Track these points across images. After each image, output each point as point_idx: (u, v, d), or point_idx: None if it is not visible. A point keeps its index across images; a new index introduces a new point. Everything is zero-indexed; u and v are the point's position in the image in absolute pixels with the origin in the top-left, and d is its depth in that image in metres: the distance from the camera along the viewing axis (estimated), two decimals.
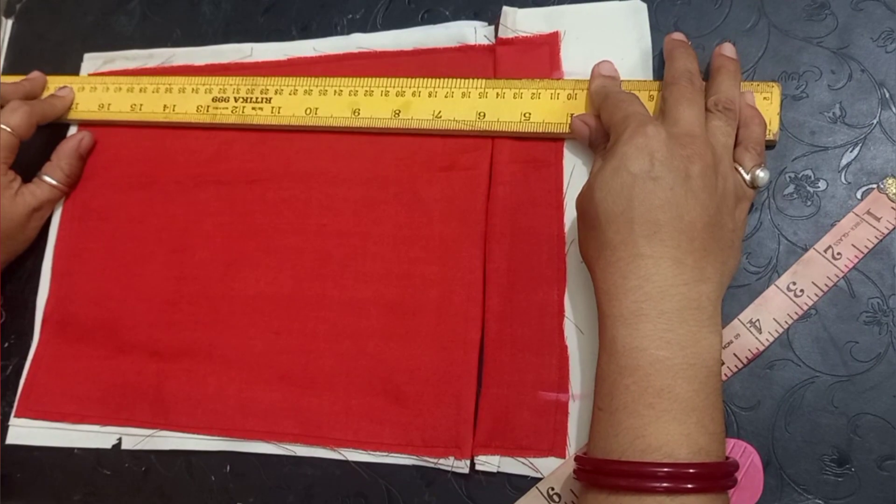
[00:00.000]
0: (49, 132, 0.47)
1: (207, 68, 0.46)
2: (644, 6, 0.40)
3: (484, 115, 0.39)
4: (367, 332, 0.40)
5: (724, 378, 0.35)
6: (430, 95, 0.40)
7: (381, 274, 0.40)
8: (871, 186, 0.36)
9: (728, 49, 0.37)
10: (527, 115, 0.39)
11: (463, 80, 0.40)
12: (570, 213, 0.38)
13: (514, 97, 0.39)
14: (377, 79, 0.41)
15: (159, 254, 0.44)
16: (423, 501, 0.37)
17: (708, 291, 0.31)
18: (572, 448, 0.35)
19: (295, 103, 0.42)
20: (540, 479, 0.35)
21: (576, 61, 0.40)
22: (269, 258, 0.42)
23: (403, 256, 0.40)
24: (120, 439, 0.41)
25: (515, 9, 0.41)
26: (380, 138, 0.42)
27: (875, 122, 0.37)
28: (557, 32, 0.41)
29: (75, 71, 0.49)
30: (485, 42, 0.42)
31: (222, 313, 0.42)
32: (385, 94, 0.41)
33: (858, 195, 0.36)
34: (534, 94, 0.39)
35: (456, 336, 0.38)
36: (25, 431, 0.43)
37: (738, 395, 0.35)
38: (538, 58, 0.41)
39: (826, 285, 0.35)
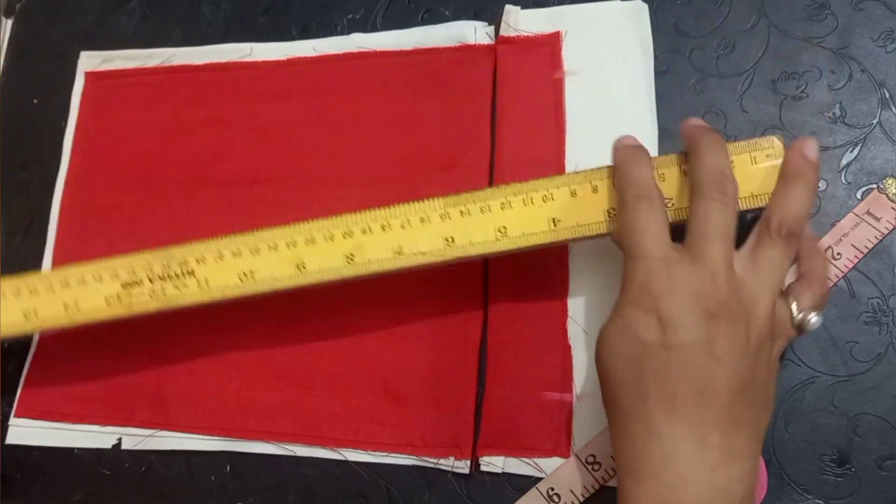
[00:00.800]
0: None
1: (207, 67, 0.46)
2: (645, 6, 0.40)
3: (453, 240, 0.34)
4: (367, 332, 0.39)
5: None
6: (383, 229, 0.34)
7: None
8: (871, 186, 0.36)
9: (812, 149, 0.30)
10: (502, 229, 0.33)
11: (417, 204, 0.34)
12: None
13: (482, 212, 0.33)
14: (316, 222, 0.35)
15: None
16: (424, 501, 0.37)
17: (740, 471, 0.27)
18: (576, 448, 0.35)
19: (224, 271, 0.35)
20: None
21: (577, 61, 0.40)
22: None
23: None
24: (120, 439, 0.41)
25: (518, 8, 0.41)
26: (380, 138, 0.42)
27: (875, 122, 0.37)
28: (559, 32, 0.41)
29: (74, 70, 0.49)
30: (485, 41, 0.42)
31: (222, 313, 0.42)
32: (330, 239, 0.34)
33: (858, 195, 0.36)
34: (503, 203, 0.33)
35: (456, 336, 0.38)
36: (25, 431, 0.43)
37: None
38: (539, 58, 0.41)
39: None
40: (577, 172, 0.33)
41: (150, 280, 0.36)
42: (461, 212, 0.34)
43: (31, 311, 0.38)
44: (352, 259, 0.34)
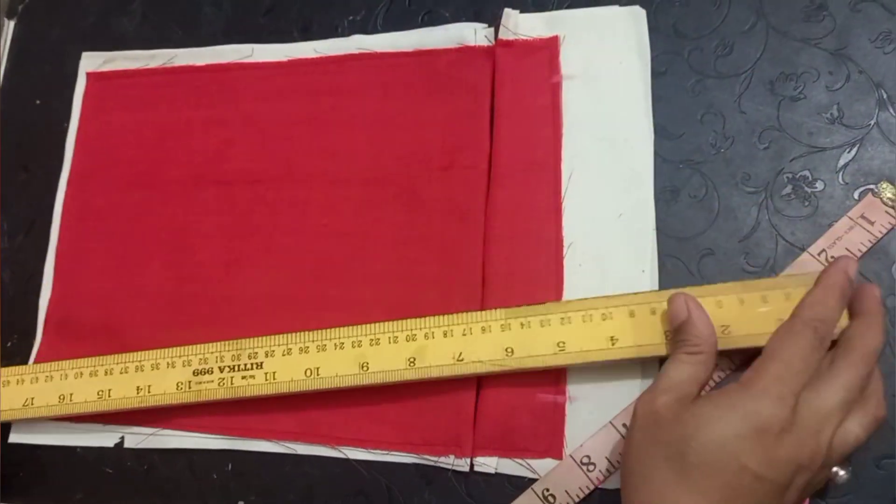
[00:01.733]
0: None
1: (209, 68, 0.46)
2: (643, 12, 0.40)
3: (512, 351, 0.35)
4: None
5: (723, 377, 0.35)
6: (445, 335, 0.36)
7: (381, 274, 0.40)
8: (868, 187, 0.36)
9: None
10: (561, 344, 0.35)
11: (479, 314, 0.36)
12: (567, 217, 0.38)
13: (542, 325, 0.35)
14: (382, 324, 0.37)
15: (159, 254, 0.44)
16: (424, 500, 0.37)
17: None
18: (569, 449, 0.36)
19: (291, 365, 0.37)
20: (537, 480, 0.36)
21: (574, 66, 0.40)
22: (269, 258, 0.42)
23: (403, 256, 0.40)
24: (122, 438, 0.42)
25: (517, 11, 0.42)
26: (380, 139, 0.42)
27: (873, 122, 0.37)
28: (557, 37, 0.41)
29: (76, 71, 0.49)
30: (485, 43, 0.42)
31: (222, 313, 0.42)
32: (394, 341, 0.36)
33: (856, 196, 0.36)
34: (563, 318, 0.35)
35: None
36: (27, 430, 0.43)
37: None
38: (537, 61, 0.41)
39: None
40: (637, 294, 0.35)
41: (220, 369, 0.38)
42: (521, 324, 0.35)
43: (104, 391, 0.40)
44: (413, 363, 0.36)
